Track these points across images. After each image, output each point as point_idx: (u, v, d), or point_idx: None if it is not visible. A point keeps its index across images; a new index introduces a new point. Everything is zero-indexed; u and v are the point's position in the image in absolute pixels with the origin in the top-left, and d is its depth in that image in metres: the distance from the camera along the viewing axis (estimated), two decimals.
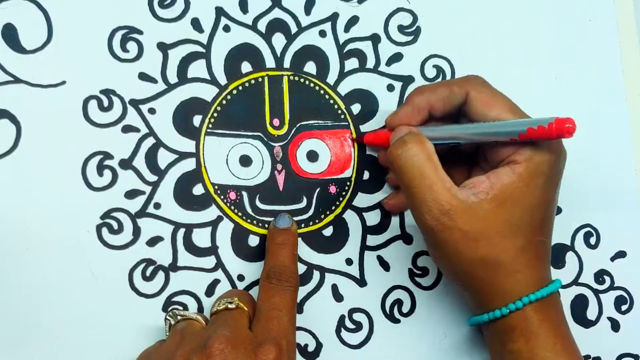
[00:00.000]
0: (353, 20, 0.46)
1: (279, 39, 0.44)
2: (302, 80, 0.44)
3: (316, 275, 0.43)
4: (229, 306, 0.38)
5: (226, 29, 0.44)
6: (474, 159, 0.42)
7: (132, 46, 0.42)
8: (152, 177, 0.42)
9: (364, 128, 0.45)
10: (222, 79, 0.43)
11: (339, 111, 0.45)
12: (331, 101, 0.45)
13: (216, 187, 0.43)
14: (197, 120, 0.43)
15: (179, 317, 0.39)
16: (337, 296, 0.44)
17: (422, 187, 0.36)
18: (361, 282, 0.44)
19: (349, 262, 0.44)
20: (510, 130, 0.36)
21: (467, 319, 0.42)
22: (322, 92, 0.45)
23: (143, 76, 0.42)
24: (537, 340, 0.36)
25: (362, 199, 0.45)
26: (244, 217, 0.43)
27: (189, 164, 0.42)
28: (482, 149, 0.40)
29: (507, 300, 0.37)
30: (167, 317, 0.39)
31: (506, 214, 0.36)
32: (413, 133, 0.38)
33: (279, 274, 0.39)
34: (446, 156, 0.39)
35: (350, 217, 0.44)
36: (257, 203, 0.43)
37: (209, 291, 0.42)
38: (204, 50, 0.43)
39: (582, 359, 0.38)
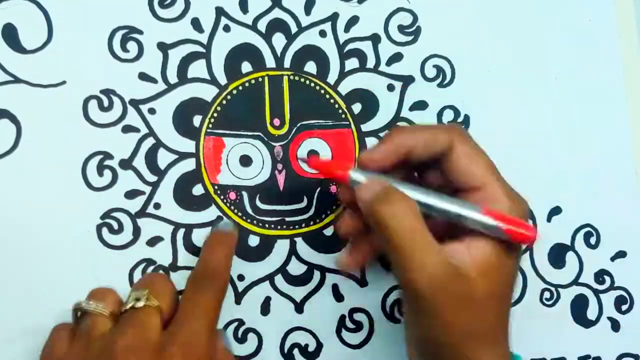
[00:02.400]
0: (353, 20, 0.46)
1: (279, 39, 0.44)
2: (302, 80, 0.44)
3: (316, 275, 0.43)
4: (136, 305, 0.36)
5: (226, 29, 0.44)
6: None
7: (132, 46, 0.42)
8: (152, 177, 0.42)
9: (365, 127, 0.45)
10: (222, 79, 0.43)
11: (340, 111, 0.45)
12: (332, 101, 0.45)
13: (216, 187, 0.43)
14: (197, 120, 0.43)
15: (84, 308, 0.37)
16: (338, 296, 0.44)
17: (414, 249, 0.34)
18: (362, 282, 0.44)
19: None
20: (491, 225, 0.35)
21: None
22: (322, 92, 0.45)
23: (143, 76, 0.42)
24: None
25: None
26: (244, 217, 0.43)
27: (189, 164, 0.42)
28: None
29: None
30: (74, 309, 0.37)
31: (491, 285, 0.35)
32: (393, 189, 0.36)
33: (210, 276, 0.38)
34: None
35: None
36: (258, 203, 0.43)
37: None
38: (204, 50, 0.43)
39: None
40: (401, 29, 0.46)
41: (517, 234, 0.35)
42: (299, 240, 0.43)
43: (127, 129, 0.42)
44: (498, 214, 0.35)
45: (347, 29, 0.46)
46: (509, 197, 0.36)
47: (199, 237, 0.42)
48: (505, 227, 0.35)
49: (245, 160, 0.43)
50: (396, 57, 0.46)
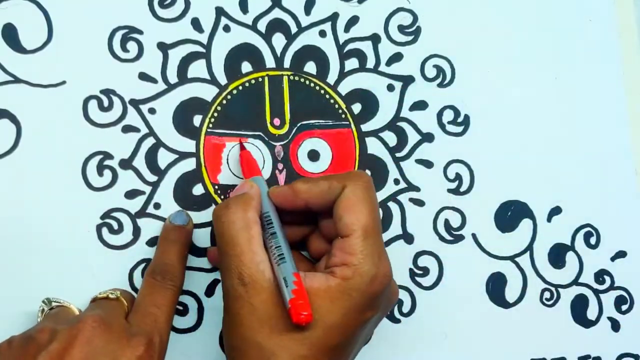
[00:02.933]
0: (353, 20, 0.46)
1: (279, 39, 0.44)
2: (302, 80, 0.44)
3: None
4: (110, 296, 0.38)
5: (226, 29, 0.44)
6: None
7: (132, 46, 0.42)
8: (152, 177, 0.42)
9: (365, 127, 0.45)
10: (222, 79, 0.43)
11: (340, 111, 0.45)
12: (332, 101, 0.45)
13: (216, 187, 0.43)
14: (197, 120, 0.43)
15: (53, 304, 0.38)
16: None
17: (231, 254, 0.35)
18: None
19: None
20: (284, 291, 0.34)
21: None
22: (322, 92, 0.45)
23: (143, 76, 0.42)
24: None
25: None
26: None
27: (189, 164, 0.42)
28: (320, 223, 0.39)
29: None
30: (41, 304, 0.38)
31: (271, 307, 0.35)
32: (242, 197, 0.37)
33: (164, 272, 0.39)
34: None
35: None
36: None
37: (209, 291, 0.42)
38: (204, 50, 0.43)
39: None
40: (401, 29, 0.46)
41: (295, 309, 0.33)
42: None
43: (127, 128, 0.42)
44: (300, 284, 0.34)
45: (347, 29, 0.46)
46: (364, 255, 0.35)
47: (199, 237, 0.42)
48: (290, 298, 0.34)
49: None
50: (396, 57, 0.46)
